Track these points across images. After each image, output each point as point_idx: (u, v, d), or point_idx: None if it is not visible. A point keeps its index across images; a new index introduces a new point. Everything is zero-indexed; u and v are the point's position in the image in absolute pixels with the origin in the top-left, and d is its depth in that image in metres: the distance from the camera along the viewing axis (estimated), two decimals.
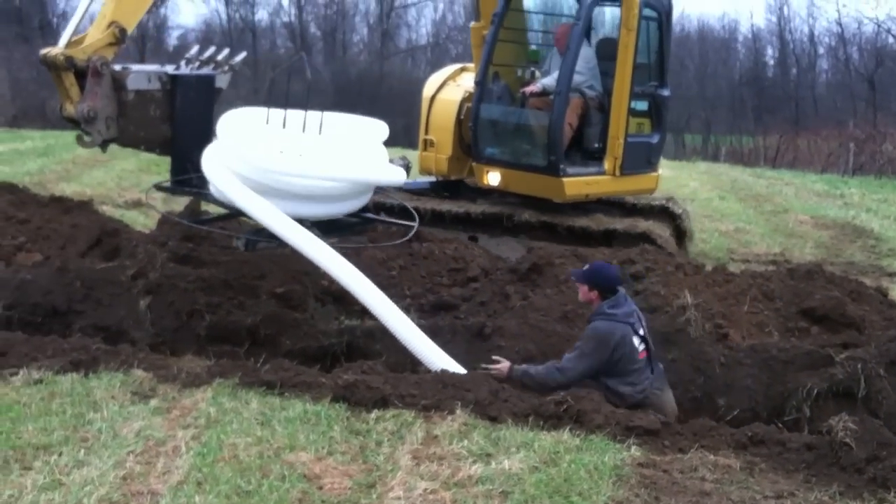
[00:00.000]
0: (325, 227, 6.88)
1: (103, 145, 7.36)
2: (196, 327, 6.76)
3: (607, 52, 10.38)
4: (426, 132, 11.22)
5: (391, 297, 7.82)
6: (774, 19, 55.03)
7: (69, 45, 7.15)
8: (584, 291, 6.04)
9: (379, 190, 8.31)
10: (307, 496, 4.11)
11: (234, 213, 7.24)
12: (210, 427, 4.77)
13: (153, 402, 5.10)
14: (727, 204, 16.52)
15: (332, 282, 7.73)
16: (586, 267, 6.19)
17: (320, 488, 4.19)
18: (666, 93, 10.97)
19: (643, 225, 10.11)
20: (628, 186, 10.77)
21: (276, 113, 6.81)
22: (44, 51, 7.25)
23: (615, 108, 10.22)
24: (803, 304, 7.32)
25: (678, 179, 19.08)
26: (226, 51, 7.97)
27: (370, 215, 7.73)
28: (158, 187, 7.97)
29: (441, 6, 56.20)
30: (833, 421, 4.88)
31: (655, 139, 10.97)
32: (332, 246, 6.47)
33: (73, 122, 7.25)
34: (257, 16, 54.69)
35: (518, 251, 9.38)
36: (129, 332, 6.71)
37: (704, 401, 6.26)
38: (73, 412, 4.89)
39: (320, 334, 6.79)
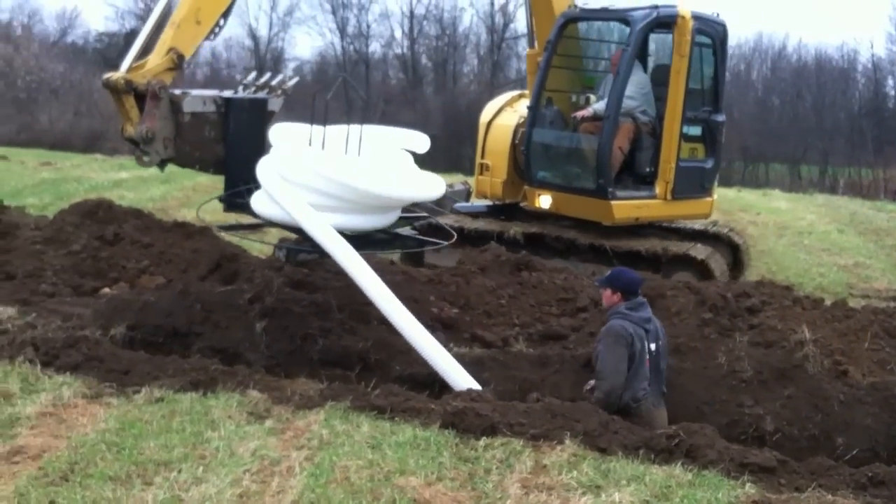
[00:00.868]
0: (357, 243, 6.85)
1: (161, 164, 7.69)
2: (309, 351, 6.89)
3: (662, 77, 10.47)
4: (482, 157, 11.55)
5: (499, 325, 7.90)
6: None
7: (130, 70, 7.50)
8: (607, 296, 6.27)
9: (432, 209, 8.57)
10: None
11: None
12: (322, 449, 4.85)
13: (268, 423, 5.23)
14: (846, 237, 15.98)
15: (443, 309, 7.83)
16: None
17: None
18: (720, 118, 11.01)
19: (694, 250, 10.14)
20: (680, 211, 10.89)
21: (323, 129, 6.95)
22: (106, 75, 7.61)
23: (667, 133, 10.37)
24: None
25: (794, 212, 18.57)
26: (279, 76, 8.27)
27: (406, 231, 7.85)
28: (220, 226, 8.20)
29: None
30: None
31: (709, 164, 11.03)
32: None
33: (132, 143, 7.57)
34: (371, 48, 55.83)
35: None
36: (245, 354, 6.88)
37: (822, 439, 6.06)
38: (192, 430, 5.05)
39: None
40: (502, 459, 4.82)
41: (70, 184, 16.80)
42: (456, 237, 8.03)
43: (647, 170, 10.59)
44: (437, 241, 7.82)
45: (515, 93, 12.16)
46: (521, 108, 11.36)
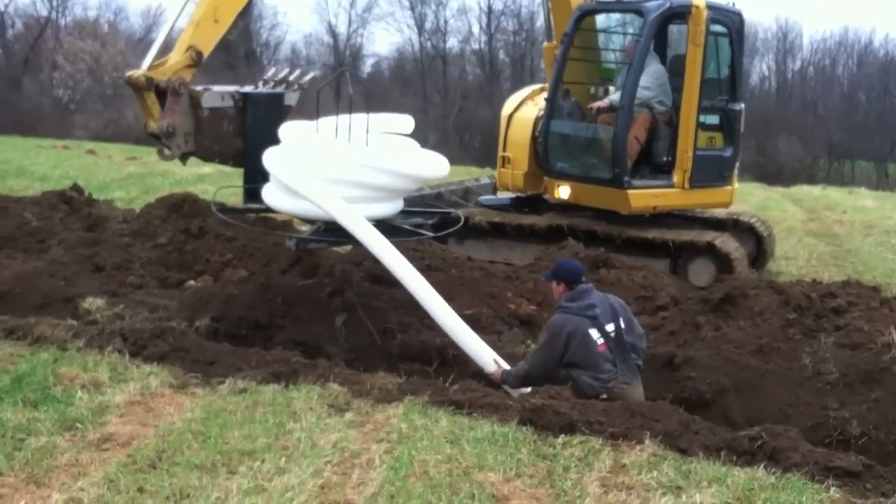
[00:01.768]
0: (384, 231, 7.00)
1: (182, 158, 8.01)
2: (388, 345, 6.96)
3: (680, 68, 10.57)
4: (504, 149, 11.76)
5: None
6: None
7: (151, 67, 7.78)
8: (554, 288, 6.36)
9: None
10: None
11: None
12: (402, 442, 4.89)
13: (348, 416, 5.29)
14: None
15: (520, 306, 7.82)
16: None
17: None
18: (738, 107, 11.06)
19: (708, 237, 10.20)
20: (699, 200, 11.01)
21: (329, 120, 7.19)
22: (128, 73, 7.91)
23: (684, 123, 10.51)
24: None
25: (881, 211, 18.06)
26: (297, 72, 8.46)
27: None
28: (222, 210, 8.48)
29: None
30: None
31: (728, 153, 11.07)
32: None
33: (155, 138, 7.88)
34: (448, 43, 56.01)
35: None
36: (325, 347, 6.98)
37: None
38: (274, 421, 5.14)
39: (506, 357, 6.84)
40: (581, 458, 4.79)
41: (155, 178, 17.21)
42: (462, 222, 8.34)
43: (665, 159, 10.76)
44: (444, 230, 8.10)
45: (536, 86, 12.30)
46: (542, 102, 11.51)
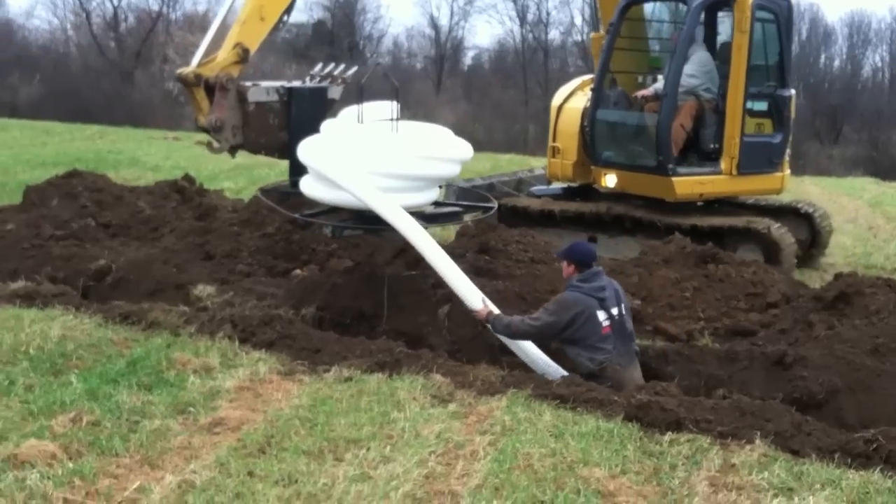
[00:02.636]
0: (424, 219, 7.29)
1: (231, 151, 8.27)
2: (490, 337, 6.94)
3: (728, 55, 10.57)
4: (553, 140, 11.88)
5: (683, 318, 7.73)
6: None
7: (200, 64, 8.08)
8: (564, 268, 6.49)
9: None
10: None
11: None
12: (505, 435, 4.88)
13: (451, 407, 5.31)
14: None
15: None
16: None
17: None
18: (787, 93, 10.99)
19: (754, 224, 10.14)
20: (748, 186, 11.00)
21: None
22: (178, 70, 8.28)
23: (730, 109, 10.53)
24: None
25: None
26: (341, 66, 8.69)
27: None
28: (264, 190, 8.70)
29: None
30: None
31: (777, 139, 11.03)
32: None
33: (204, 131, 8.15)
34: (550, 35, 55.65)
35: (635, 250, 9.79)
36: (428, 338, 7.01)
37: None
38: (379, 410, 5.20)
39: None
40: (688, 456, 4.70)
41: (262, 168, 17.56)
42: (496, 207, 8.46)
43: (712, 146, 10.77)
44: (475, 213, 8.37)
45: (587, 77, 12.31)
46: (590, 92, 11.54)
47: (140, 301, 7.36)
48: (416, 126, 7.76)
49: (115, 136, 25.38)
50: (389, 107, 7.69)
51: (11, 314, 6.85)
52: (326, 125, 7.70)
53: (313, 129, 7.71)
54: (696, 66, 10.58)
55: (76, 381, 5.46)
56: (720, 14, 11.33)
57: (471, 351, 6.91)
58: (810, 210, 11.16)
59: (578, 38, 54.91)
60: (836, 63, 54.02)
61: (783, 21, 10.82)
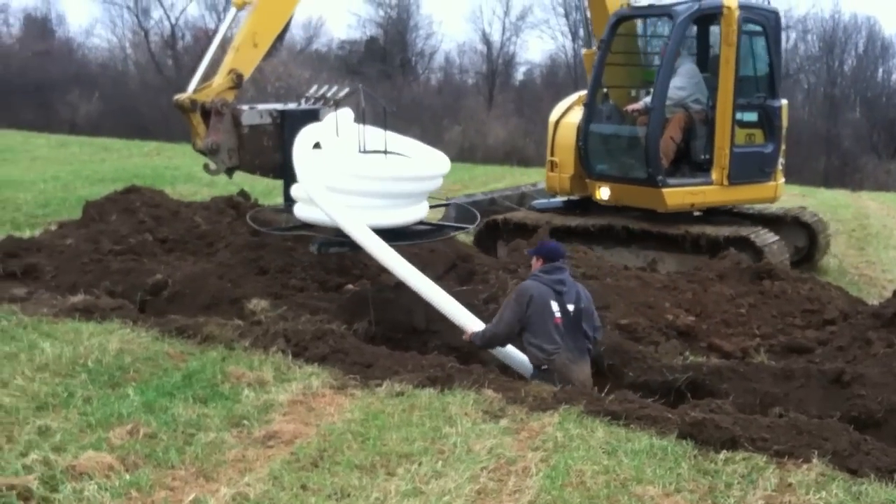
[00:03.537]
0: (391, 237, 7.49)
1: (228, 172, 8.60)
2: None
3: (717, 67, 10.77)
4: (551, 154, 12.16)
5: (738, 335, 7.63)
6: None
7: (196, 90, 8.42)
8: (533, 263, 6.69)
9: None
10: None
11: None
12: (557, 451, 4.86)
13: (503, 422, 5.29)
14: None
15: (678, 317, 7.65)
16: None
17: None
18: (777, 103, 11.11)
19: (743, 232, 10.26)
20: (741, 196, 11.21)
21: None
22: (175, 96, 8.56)
23: (720, 120, 10.77)
24: None
25: None
26: (335, 88, 8.87)
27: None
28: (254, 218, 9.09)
29: None
30: None
31: (769, 149, 11.16)
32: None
33: (202, 154, 8.47)
34: None
35: (630, 260, 10.21)
36: (479, 353, 7.01)
37: None
38: (430, 425, 5.20)
39: (664, 369, 6.71)
40: (744, 475, 4.63)
41: None
42: (478, 219, 8.85)
43: (703, 157, 10.95)
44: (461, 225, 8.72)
45: (583, 92, 12.39)
46: None
47: (195, 315, 7.46)
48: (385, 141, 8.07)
49: (172, 152, 25.76)
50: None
51: (71, 327, 6.99)
52: (303, 133, 7.86)
53: None
54: (685, 79, 10.90)
55: (133, 394, 5.55)
56: (711, 27, 11.53)
57: None
58: (801, 215, 11.55)
59: None
60: (894, 77, 53.09)
61: (771, 32, 11.07)
